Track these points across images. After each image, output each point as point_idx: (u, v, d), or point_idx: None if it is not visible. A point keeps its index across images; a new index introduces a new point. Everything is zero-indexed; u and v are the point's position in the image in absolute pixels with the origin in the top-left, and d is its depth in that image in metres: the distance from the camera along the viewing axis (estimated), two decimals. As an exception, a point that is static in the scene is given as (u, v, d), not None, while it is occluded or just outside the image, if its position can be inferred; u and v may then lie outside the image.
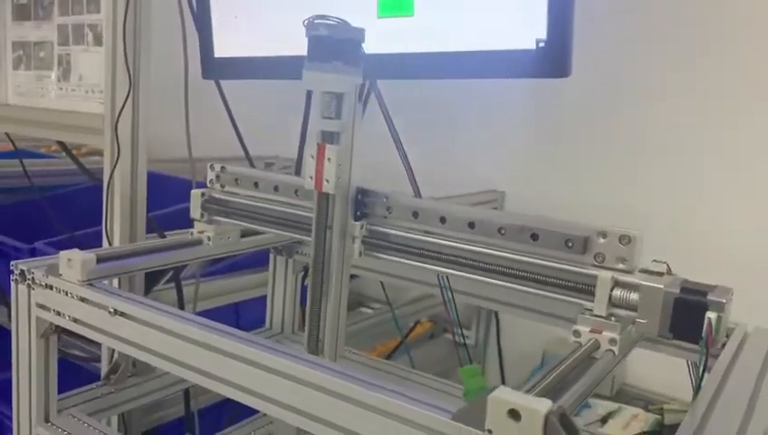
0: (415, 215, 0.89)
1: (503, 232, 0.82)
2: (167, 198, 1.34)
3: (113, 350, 1.13)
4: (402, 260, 0.91)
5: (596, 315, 0.75)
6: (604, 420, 1.63)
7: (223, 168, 1.07)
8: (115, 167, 1.18)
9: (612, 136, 1.79)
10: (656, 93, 1.71)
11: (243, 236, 1.12)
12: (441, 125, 2.01)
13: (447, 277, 0.95)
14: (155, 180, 1.27)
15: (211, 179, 1.08)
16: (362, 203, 0.93)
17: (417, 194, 0.96)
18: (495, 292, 1.03)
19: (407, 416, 0.63)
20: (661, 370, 1.81)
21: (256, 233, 1.13)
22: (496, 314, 2.05)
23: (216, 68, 1.19)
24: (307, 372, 0.68)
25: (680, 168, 1.70)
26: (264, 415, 1.22)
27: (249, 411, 1.26)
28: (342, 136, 0.87)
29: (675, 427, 1.62)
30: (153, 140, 1.23)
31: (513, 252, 0.82)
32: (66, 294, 0.89)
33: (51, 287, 0.91)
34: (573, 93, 1.74)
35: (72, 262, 0.89)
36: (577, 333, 0.75)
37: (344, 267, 0.91)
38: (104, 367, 1.17)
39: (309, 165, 0.88)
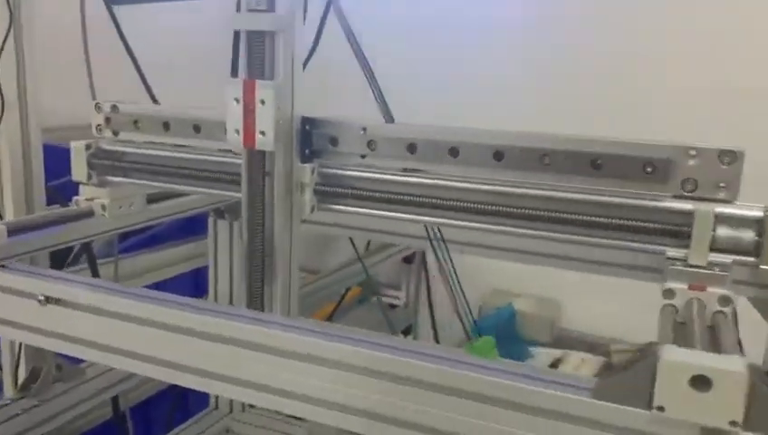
0: (411, 148, 0.65)
1: (546, 161, 0.59)
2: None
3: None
4: (379, 213, 0.67)
5: (693, 266, 0.55)
6: (554, 367, 1.54)
7: (114, 107, 0.77)
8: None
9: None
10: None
11: (154, 200, 0.84)
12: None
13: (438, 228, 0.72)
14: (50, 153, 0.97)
15: (98, 125, 0.78)
16: (310, 136, 0.68)
17: (390, 120, 0.73)
18: (506, 240, 0.82)
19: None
20: (598, 312, 1.77)
21: (174, 195, 0.85)
22: (426, 272, 1.89)
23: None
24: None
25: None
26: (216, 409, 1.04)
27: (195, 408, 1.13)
28: (279, 41, 0.61)
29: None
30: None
31: (564, 189, 0.60)
32: None
33: None
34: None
35: None
36: (669, 293, 0.55)
37: (292, 235, 0.67)
38: (7, 377, 0.92)
39: (232, 112, 0.63)
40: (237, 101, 0.63)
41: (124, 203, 0.79)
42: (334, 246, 1.88)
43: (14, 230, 0.70)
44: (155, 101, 1.02)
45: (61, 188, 0.96)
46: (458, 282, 1.30)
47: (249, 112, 0.63)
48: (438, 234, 0.87)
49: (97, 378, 0.96)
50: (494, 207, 0.62)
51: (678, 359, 0.40)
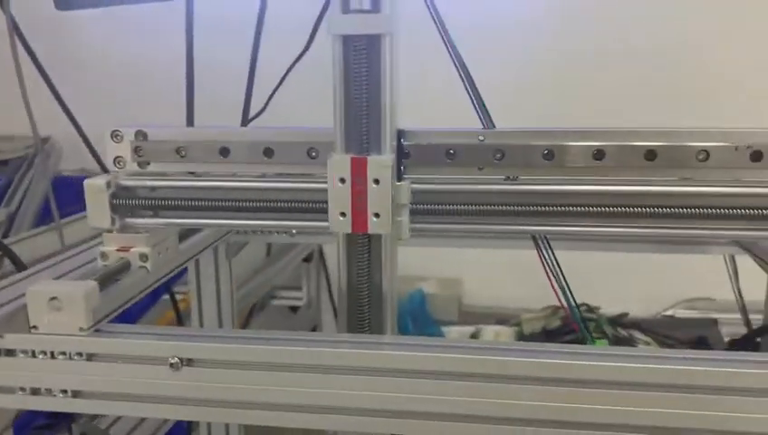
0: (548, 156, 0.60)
1: (701, 157, 0.59)
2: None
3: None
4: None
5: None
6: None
7: (141, 132, 0.63)
8: None
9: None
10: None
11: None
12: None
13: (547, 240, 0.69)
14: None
15: (118, 157, 0.64)
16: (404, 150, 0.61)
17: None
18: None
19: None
20: (496, 285, 1.87)
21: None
22: (325, 268, 1.85)
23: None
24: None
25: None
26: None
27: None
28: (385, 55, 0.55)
29: (535, 335, 1.65)
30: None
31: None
32: (52, 356, 0.58)
33: (16, 353, 0.58)
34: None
35: (63, 300, 0.56)
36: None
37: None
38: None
39: (337, 194, 0.56)
40: (343, 181, 0.56)
41: (162, 248, 0.66)
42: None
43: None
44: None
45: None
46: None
47: (359, 194, 0.56)
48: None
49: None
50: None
51: None
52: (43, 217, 1.44)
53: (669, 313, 1.81)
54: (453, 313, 1.84)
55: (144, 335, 0.59)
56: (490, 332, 1.69)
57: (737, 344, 0.97)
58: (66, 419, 0.76)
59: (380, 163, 0.56)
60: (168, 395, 0.58)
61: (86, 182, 0.63)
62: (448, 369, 0.53)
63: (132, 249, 0.64)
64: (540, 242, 0.67)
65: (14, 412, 0.73)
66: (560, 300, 0.71)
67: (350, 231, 0.58)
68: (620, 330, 1.56)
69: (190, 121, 0.82)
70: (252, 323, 1.62)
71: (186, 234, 0.76)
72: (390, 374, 0.54)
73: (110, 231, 0.64)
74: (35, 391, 0.60)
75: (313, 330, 1.88)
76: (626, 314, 1.60)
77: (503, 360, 0.53)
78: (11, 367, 0.59)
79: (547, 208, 0.59)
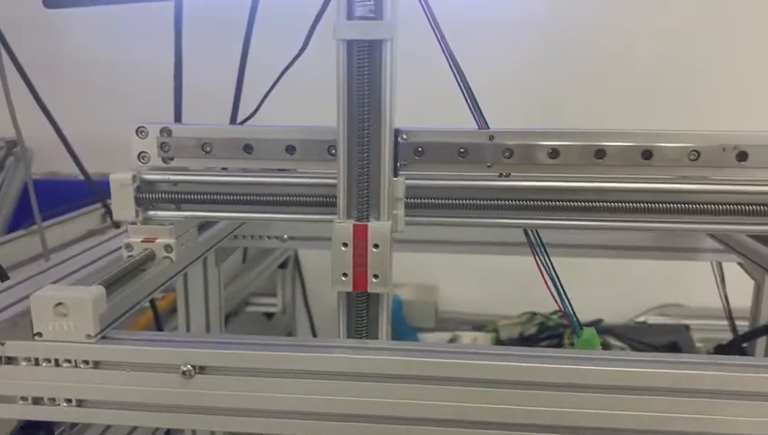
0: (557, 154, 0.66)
1: (692, 157, 0.66)
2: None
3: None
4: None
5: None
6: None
7: (165, 129, 0.68)
8: None
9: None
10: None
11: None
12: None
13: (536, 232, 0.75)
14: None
15: (142, 152, 0.68)
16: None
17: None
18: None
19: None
20: (471, 291, 1.92)
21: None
22: (301, 275, 1.89)
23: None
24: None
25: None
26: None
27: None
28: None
29: (512, 341, 1.71)
30: None
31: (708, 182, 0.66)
32: (56, 364, 0.57)
33: (18, 360, 0.58)
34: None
35: (69, 306, 0.56)
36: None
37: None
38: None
39: (339, 257, 0.61)
40: (345, 245, 0.61)
41: (184, 240, 0.71)
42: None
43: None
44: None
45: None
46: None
47: (359, 257, 0.61)
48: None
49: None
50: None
51: None
52: (15, 223, 1.44)
53: (642, 319, 1.88)
54: (429, 319, 1.89)
55: (154, 342, 0.58)
56: (468, 338, 1.74)
57: (725, 349, 1.01)
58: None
59: (380, 229, 0.61)
60: (179, 404, 0.58)
61: (112, 176, 0.67)
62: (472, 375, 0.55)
63: (157, 240, 0.68)
64: (532, 238, 0.72)
65: (15, 422, 0.72)
66: (555, 300, 0.76)
67: (350, 290, 0.62)
68: (595, 335, 1.62)
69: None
70: (228, 330, 1.65)
71: (202, 227, 0.80)
72: (399, 380, 0.56)
73: (134, 223, 0.68)
74: (37, 401, 0.59)
75: (289, 335, 1.91)
76: (600, 321, 1.69)
77: (487, 364, 0.55)
78: (12, 376, 0.58)
79: (533, 203, 0.66)
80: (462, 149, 0.65)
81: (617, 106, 1.67)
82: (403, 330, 1.79)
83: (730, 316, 1.09)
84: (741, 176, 0.65)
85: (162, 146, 0.68)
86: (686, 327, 1.71)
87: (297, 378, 0.56)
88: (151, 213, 0.69)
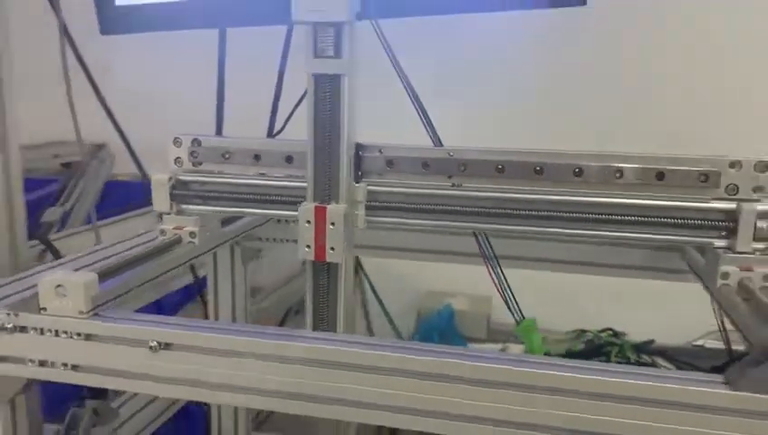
0: (501, 170, 0.82)
1: (618, 175, 0.79)
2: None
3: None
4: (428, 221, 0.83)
5: (740, 252, 0.77)
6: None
7: (196, 140, 0.87)
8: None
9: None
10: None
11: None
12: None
13: (486, 237, 0.89)
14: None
15: (177, 158, 0.88)
16: (360, 160, 0.83)
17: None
18: (555, 251, 1.01)
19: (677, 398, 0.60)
20: (524, 304, 2.00)
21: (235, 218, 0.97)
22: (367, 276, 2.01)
23: (118, 18, 0.95)
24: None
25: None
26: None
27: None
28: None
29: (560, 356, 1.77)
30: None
31: (630, 196, 0.79)
32: (56, 334, 0.72)
33: (28, 329, 0.72)
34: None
35: (67, 288, 0.70)
36: (725, 275, 0.76)
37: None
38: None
39: (304, 232, 0.77)
40: (309, 222, 0.77)
41: (207, 229, 0.90)
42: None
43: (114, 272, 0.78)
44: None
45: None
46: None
47: (320, 233, 0.77)
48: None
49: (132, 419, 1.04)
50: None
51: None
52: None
53: (699, 342, 1.90)
54: (481, 330, 1.97)
55: (131, 321, 0.70)
56: (516, 350, 1.83)
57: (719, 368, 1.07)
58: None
59: (336, 210, 0.77)
60: (148, 373, 0.70)
61: (153, 177, 0.87)
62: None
63: (185, 228, 0.88)
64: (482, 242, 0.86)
65: (25, 380, 0.80)
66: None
67: (312, 259, 0.79)
68: (644, 356, 1.68)
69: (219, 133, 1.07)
70: (286, 325, 1.81)
71: (226, 221, 1.00)
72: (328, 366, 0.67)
73: (168, 214, 0.88)
74: (42, 363, 0.72)
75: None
76: (652, 341, 1.74)
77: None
78: (23, 342, 0.71)
79: (481, 210, 0.81)
80: (425, 163, 0.81)
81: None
82: (453, 338, 1.89)
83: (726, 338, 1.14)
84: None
85: (192, 154, 0.87)
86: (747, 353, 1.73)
87: (243, 359, 0.68)
88: (183, 206, 0.89)
